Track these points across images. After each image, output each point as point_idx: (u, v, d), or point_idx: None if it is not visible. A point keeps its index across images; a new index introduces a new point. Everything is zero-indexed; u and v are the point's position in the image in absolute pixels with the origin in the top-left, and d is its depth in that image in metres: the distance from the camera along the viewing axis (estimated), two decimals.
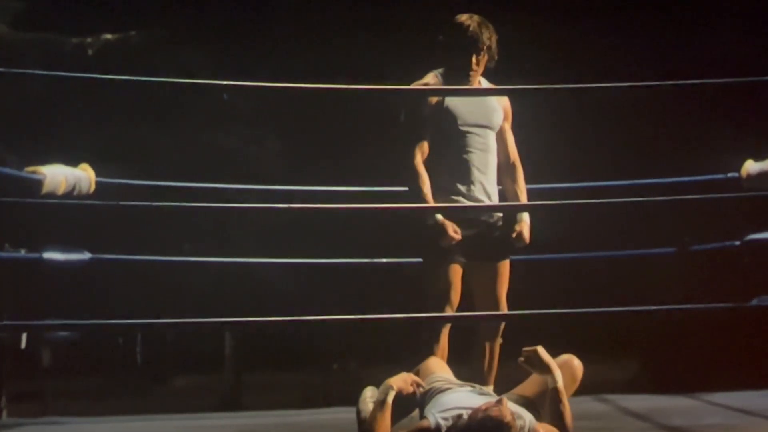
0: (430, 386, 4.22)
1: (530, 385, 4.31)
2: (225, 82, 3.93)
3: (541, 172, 5.62)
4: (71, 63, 8.98)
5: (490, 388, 4.71)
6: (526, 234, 4.89)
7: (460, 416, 3.99)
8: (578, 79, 4.81)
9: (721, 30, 9.24)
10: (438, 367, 4.44)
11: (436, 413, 4.04)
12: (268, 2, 10.04)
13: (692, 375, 7.61)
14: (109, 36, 9.89)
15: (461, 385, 4.23)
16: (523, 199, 4.98)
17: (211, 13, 9.90)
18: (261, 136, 9.87)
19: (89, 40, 9.86)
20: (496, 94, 4.95)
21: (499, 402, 3.97)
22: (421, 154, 4.84)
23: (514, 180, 5.00)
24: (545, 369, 4.19)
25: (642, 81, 4.82)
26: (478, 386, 4.28)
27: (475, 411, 3.96)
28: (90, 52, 9.73)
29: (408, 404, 4.18)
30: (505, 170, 5.01)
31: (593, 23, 9.34)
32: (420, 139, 4.84)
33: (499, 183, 5.04)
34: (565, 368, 4.29)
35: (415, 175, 4.81)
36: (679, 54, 8.89)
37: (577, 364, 4.35)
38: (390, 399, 4.12)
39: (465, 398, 4.10)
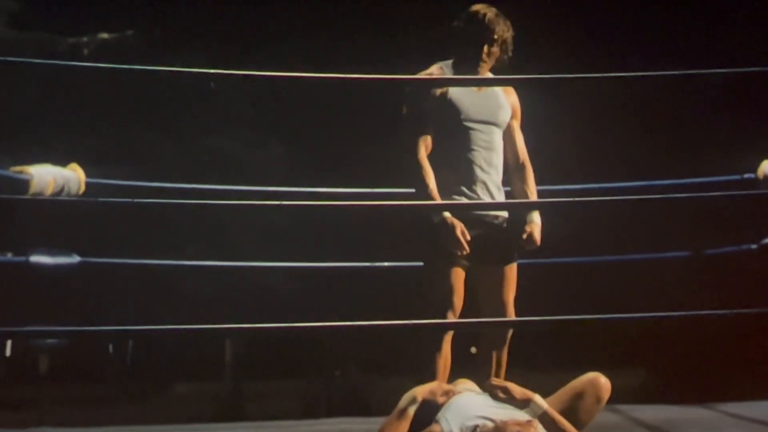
0: None
1: (553, 402, 4.08)
2: (212, 71, 3.71)
3: (550, 172, 5.44)
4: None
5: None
6: (537, 236, 4.69)
7: (476, 427, 3.77)
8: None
9: (736, 28, 9.10)
10: (463, 382, 4.25)
11: (450, 418, 3.83)
12: (268, 3, 9.93)
13: (707, 384, 7.42)
14: (105, 36, 9.79)
15: (484, 395, 4.02)
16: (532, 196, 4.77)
17: (210, 12, 9.79)
18: (263, 137, 9.76)
19: (85, 39, 9.77)
20: (500, 84, 4.75)
21: (529, 423, 3.79)
22: (424, 147, 4.64)
23: (523, 180, 4.80)
24: (525, 401, 3.98)
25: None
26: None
27: (504, 425, 3.76)
28: (86, 51, 9.62)
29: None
30: (513, 170, 4.82)
31: (609, 19, 9.20)
32: (423, 133, 4.65)
33: (507, 184, 4.84)
34: (590, 387, 4.11)
35: (419, 169, 4.62)
36: (696, 53, 8.74)
37: (603, 383, 4.14)
38: (412, 411, 3.90)
39: (483, 407, 3.90)
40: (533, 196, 4.81)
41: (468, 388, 4.14)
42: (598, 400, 4.11)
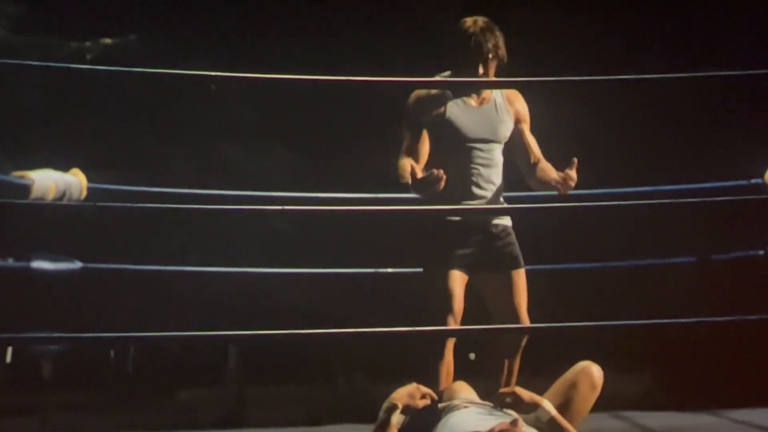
0: (444, 407, 3.97)
1: (549, 396, 4.05)
2: (213, 73, 3.68)
3: None
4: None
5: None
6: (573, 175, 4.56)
7: None
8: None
9: (744, 29, 9.07)
10: (460, 388, 4.22)
11: None
12: (271, 7, 9.90)
13: (713, 390, 7.37)
14: (108, 40, 9.77)
15: (478, 405, 3.96)
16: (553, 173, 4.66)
17: (213, 16, 9.76)
18: (265, 142, 9.73)
19: (88, 44, 9.74)
20: (498, 86, 4.70)
21: (514, 423, 3.72)
22: (406, 150, 4.56)
23: (543, 171, 4.68)
24: (532, 406, 3.95)
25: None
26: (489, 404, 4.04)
27: None
28: (89, 56, 9.60)
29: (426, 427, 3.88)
30: (530, 170, 4.73)
31: (610, 20, 9.17)
32: (411, 140, 4.57)
33: (528, 186, 4.81)
34: (583, 376, 4.12)
35: (399, 165, 4.54)
36: (703, 55, 8.71)
37: (595, 371, 4.16)
38: (394, 419, 3.83)
39: (475, 420, 3.84)
40: (552, 173, 4.69)
41: (465, 398, 4.09)
42: (593, 387, 4.12)
